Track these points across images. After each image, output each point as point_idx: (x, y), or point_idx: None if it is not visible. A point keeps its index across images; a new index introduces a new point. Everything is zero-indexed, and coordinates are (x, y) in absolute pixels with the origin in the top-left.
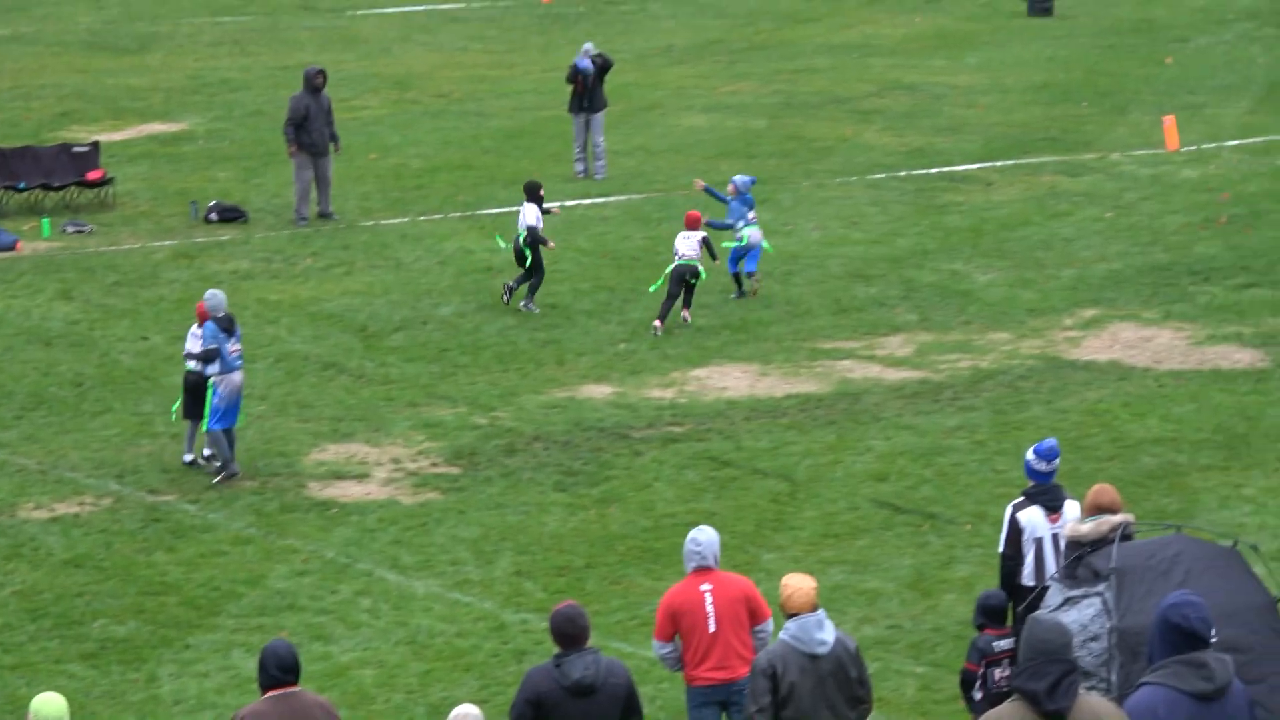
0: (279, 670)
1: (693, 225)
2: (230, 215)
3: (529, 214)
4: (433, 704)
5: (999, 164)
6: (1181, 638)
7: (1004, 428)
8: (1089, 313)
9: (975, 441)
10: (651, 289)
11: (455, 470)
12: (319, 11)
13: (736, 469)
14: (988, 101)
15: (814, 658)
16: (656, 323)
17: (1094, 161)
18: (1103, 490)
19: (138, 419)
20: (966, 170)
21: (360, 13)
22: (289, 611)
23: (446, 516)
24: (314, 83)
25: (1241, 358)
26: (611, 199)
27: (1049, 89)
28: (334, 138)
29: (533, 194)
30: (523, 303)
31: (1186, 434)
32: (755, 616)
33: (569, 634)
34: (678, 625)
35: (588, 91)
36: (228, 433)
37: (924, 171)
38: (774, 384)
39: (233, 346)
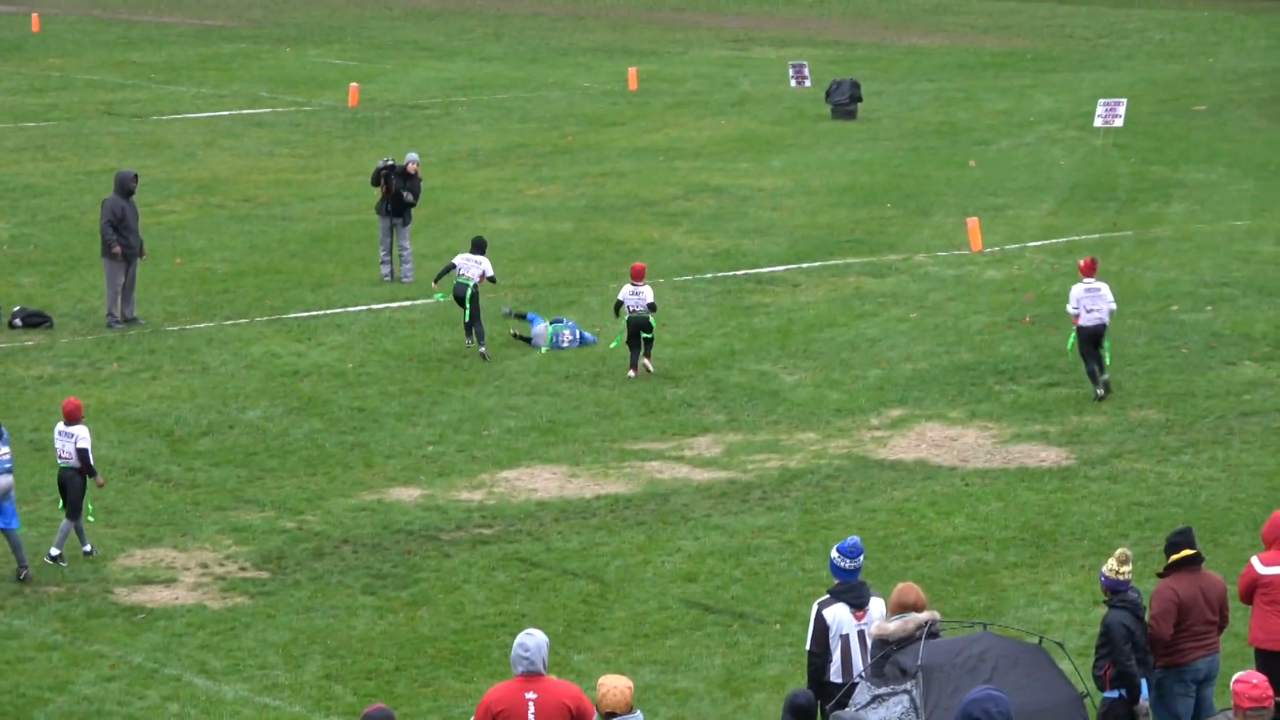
0: None
1: (638, 277)
2: (35, 320)
3: (485, 265)
4: None
5: (805, 265)
6: None
7: (812, 527)
8: (895, 412)
9: (784, 541)
10: (612, 345)
11: (263, 574)
12: (123, 117)
13: (546, 570)
14: (793, 204)
15: None
16: (631, 372)
17: (899, 263)
18: (907, 589)
19: None
20: (773, 272)
21: (164, 118)
22: (97, 718)
23: (255, 620)
24: (128, 186)
25: (1047, 456)
26: (418, 302)
27: (854, 191)
28: (140, 244)
29: (482, 248)
30: (480, 349)
31: (993, 532)
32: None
33: None
34: None
35: (394, 194)
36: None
37: (731, 273)
38: (584, 485)
39: (2, 450)
